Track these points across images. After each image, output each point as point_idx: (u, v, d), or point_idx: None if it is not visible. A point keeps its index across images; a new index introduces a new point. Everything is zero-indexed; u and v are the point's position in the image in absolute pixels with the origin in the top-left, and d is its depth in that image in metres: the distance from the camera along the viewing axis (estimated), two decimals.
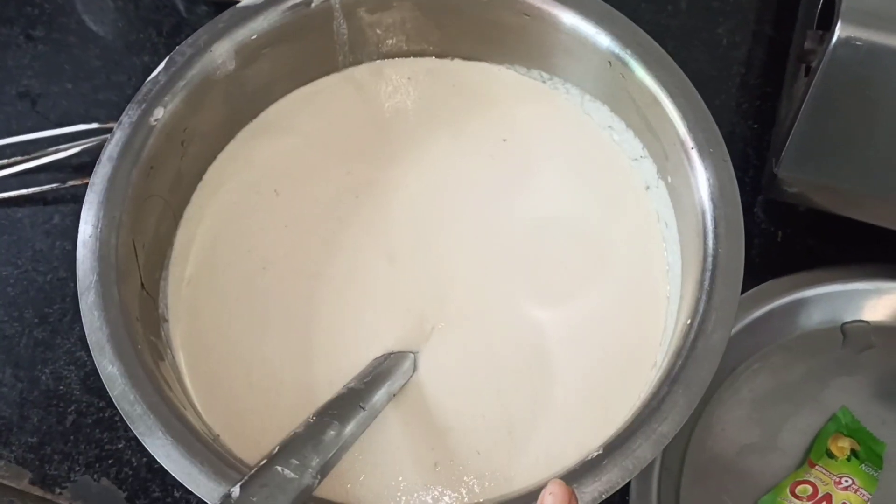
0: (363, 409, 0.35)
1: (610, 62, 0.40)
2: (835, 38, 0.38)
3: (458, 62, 0.46)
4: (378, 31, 0.44)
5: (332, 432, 0.33)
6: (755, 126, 0.53)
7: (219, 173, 0.43)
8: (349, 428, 0.34)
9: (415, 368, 0.39)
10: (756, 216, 0.51)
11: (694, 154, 0.37)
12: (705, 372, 0.33)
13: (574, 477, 0.32)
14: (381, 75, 0.45)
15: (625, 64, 0.39)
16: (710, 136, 0.37)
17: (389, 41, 0.45)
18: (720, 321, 0.34)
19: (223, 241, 0.42)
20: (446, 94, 0.45)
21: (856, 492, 0.41)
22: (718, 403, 0.45)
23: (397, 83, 0.46)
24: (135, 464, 0.45)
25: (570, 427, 0.38)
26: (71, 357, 0.47)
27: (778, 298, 0.46)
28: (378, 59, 0.45)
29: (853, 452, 0.43)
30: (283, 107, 0.44)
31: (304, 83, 0.45)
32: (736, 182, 0.37)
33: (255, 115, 0.44)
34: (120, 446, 0.45)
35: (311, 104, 0.45)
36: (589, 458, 0.33)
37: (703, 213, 0.37)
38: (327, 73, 0.45)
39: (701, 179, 0.37)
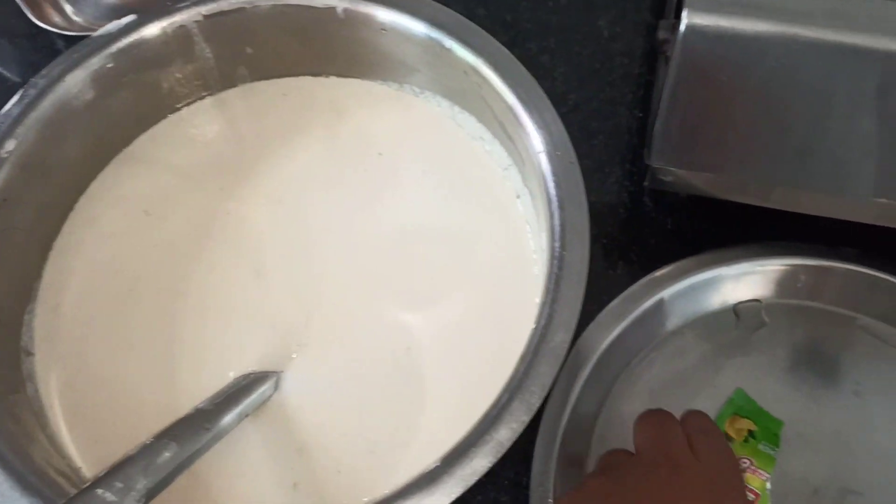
0: (208, 429, 0.35)
1: (466, 72, 0.40)
2: (682, 27, 0.38)
3: (333, 79, 0.46)
4: (246, 52, 0.44)
5: (166, 454, 0.33)
6: (640, 115, 0.53)
7: (90, 202, 0.43)
8: (188, 450, 0.33)
9: (276, 388, 0.39)
10: (645, 205, 0.51)
11: (543, 158, 0.37)
12: (546, 376, 0.33)
13: (409, 491, 0.31)
14: (253, 96, 0.46)
15: (478, 73, 0.39)
16: (557, 138, 0.37)
17: (260, 62, 0.45)
18: (562, 324, 0.34)
19: (94, 268, 0.42)
20: (322, 111, 0.45)
21: (754, 472, 0.40)
22: (617, 397, 0.45)
23: (271, 102, 0.46)
24: None
25: (439, 441, 0.37)
26: None
27: (669, 286, 0.46)
28: (251, 80, 0.45)
29: (750, 433, 0.42)
30: (154, 133, 0.45)
31: (176, 109, 0.45)
32: (582, 185, 0.37)
33: (126, 143, 0.44)
34: None
35: (184, 129, 0.45)
36: (427, 470, 0.32)
37: (552, 217, 0.36)
38: (200, 97, 0.45)
39: (550, 184, 0.37)
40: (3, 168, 0.38)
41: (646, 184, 0.49)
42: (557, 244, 0.35)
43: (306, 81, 0.46)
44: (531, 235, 0.41)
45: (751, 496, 0.39)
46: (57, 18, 0.56)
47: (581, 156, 0.54)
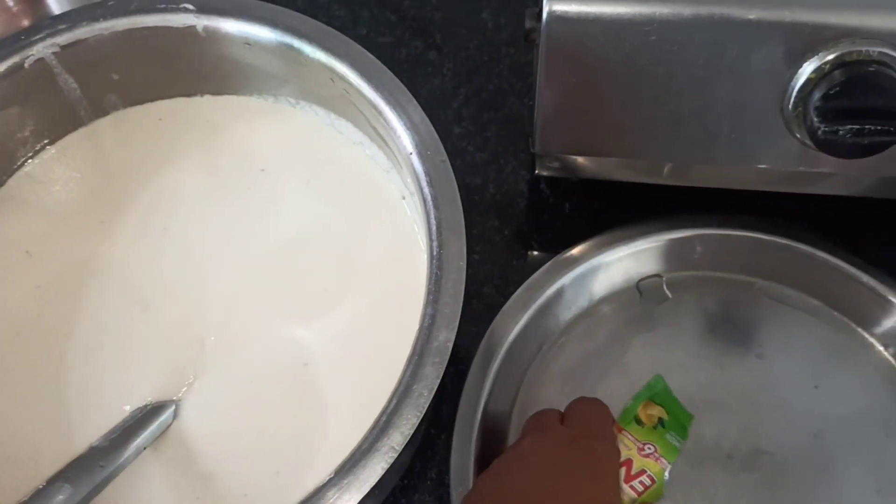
0: (103, 468, 0.34)
1: (332, 79, 0.40)
2: (545, 14, 0.38)
3: (207, 98, 0.45)
4: (112, 78, 0.43)
5: (60, 497, 0.32)
6: (530, 104, 0.53)
7: None
8: (82, 490, 0.33)
9: (175, 416, 0.38)
10: (542, 192, 0.51)
11: (415, 158, 0.37)
12: (431, 377, 0.33)
13: None
14: (126, 122, 0.45)
15: (343, 78, 0.39)
16: (426, 137, 0.37)
17: (130, 88, 0.44)
18: (445, 323, 0.34)
19: None
20: (199, 132, 0.45)
21: (657, 460, 0.40)
22: (531, 384, 0.45)
23: (147, 128, 0.45)
24: None
25: (343, 454, 0.37)
26: None
27: (570, 269, 0.47)
28: (123, 107, 0.44)
29: (660, 421, 0.42)
30: (32, 169, 0.43)
31: (48, 143, 0.44)
32: (454, 182, 0.37)
33: (1, 183, 0.43)
34: None
35: (60, 163, 0.44)
36: (321, 483, 0.32)
37: (428, 215, 0.36)
38: (73, 129, 0.44)
39: (423, 183, 0.37)
40: None
41: (536, 172, 0.49)
42: (435, 243, 0.35)
43: (180, 103, 0.45)
44: (420, 236, 0.41)
45: (647, 481, 0.39)
46: None
47: (476, 148, 0.54)
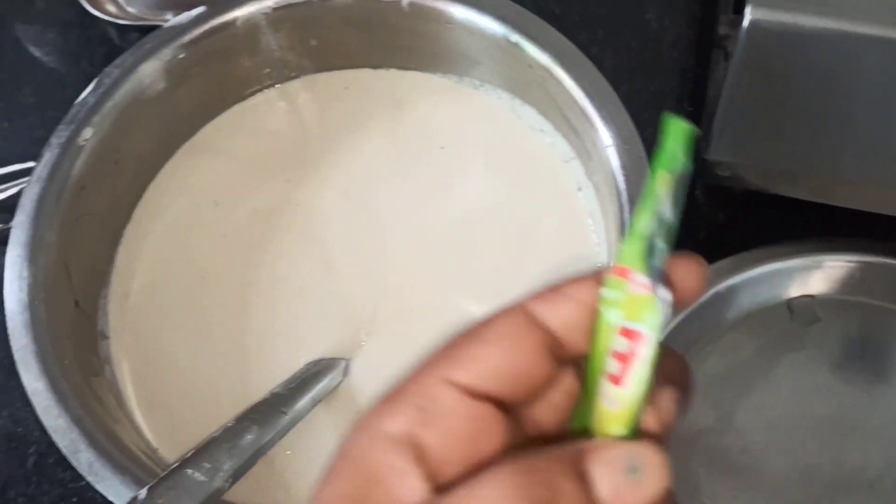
0: (284, 413, 0.36)
1: (530, 66, 0.40)
2: (746, 22, 0.38)
3: (393, 72, 0.46)
4: (309, 44, 0.44)
5: (249, 437, 0.34)
6: (690, 109, 0.53)
7: (159, 191, 0.44)
8: (268, 433, 0.34)
9: (346, 374, 0.40)
10: (697, 199, 0.51)
11: (611, 152, 0.38)
12: None
13: None
14: (316, 87, 0.46)
15: (541, 65, 0.40)
16: (625, 132, 0.37)
17: (323, 54, 0.45)
18: None
19: (164, 256, 0.43)
20: (383, 104, 0.46)
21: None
22: None
23: (333, 94, 0.46)
24: (98, 500, 0.45)
25: None
26: (27, 399, 0.47)
27: (723, 280, 0.46)
28: (312, 72, 0.46)
29: None
30: (221, 123, 0.45)
31: (240, 99, 0.46)
32: None
33: (192, 133, 0.45)
34: (82, 484, 0.45)
35: (248, 119, 0.46)
36: None
37: (623, 211, 0.37)
38: (262, 88, 0.46)
39: (619, 178, 0.37)
40: (81, 155, 0.39)
41: (700, 179, 0.49)
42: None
43: (366, 74, 0.46)
44: (593, 228, 0.42)
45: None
46: (111, 7, 0.57)
47: None
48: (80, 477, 0.45)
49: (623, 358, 0.19)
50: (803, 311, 0.48)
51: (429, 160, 0.44)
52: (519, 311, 0.21)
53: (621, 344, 0.19)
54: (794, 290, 0.48)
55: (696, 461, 0.44)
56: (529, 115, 0.44)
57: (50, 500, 0.45)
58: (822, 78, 0.40)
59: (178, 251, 0.43)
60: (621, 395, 0.19)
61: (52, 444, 0.46)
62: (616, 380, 0.19)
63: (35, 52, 0.59)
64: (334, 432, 0.39)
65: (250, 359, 0.40)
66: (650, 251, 0.19)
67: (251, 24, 0.42)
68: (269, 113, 0.46)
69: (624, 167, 0.37)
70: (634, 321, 0.19)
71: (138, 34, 0.57)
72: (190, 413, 0.40)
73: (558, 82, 0.39)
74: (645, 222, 0.20)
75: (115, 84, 0.40)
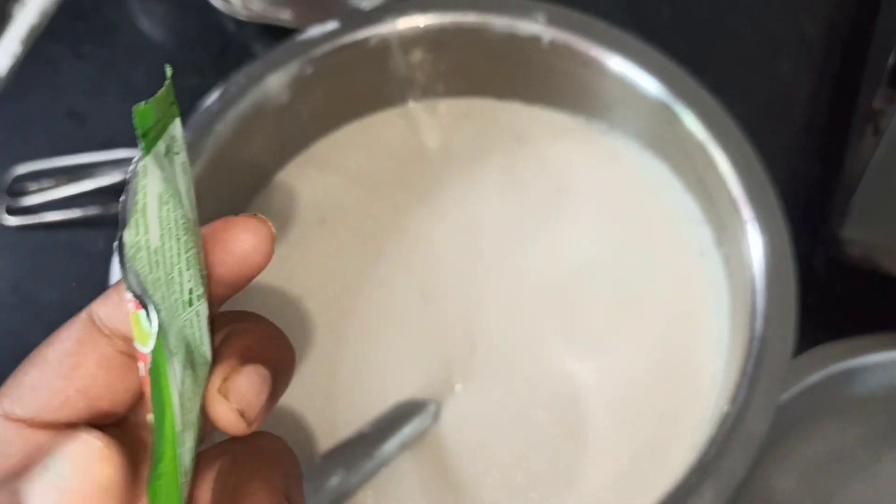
0: (371, 457, 0.35)
1: (669, 120, 0.38)
2: None
3: (517, 105, 0.45)
4: (436, 69, 0.43)
5: (335, 479, 0.33)
6: (818, 170, 0.50)
7: (265, 201, 0.43)
8: (354, 476, 0.33)
9: (435, 419, 0.38)
10: (814, 268, 0.48)
11: (750, 227, 0.35)
12: (739, 466, 0.31)
13: None
14: (436, 112, 0.45)
15: (684, 124, 0.37)
16: (769, 209, 0.35)
17: (448, 80, 0.44)
18: (760, 412, 0.32)
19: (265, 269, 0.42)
20: (503, 136, 0.44)
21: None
22: (766, 471, 0.43)
23: (453, 121, 0.45)
24: None
25: (603, 501, 0.36)
26: None
27: (835, 363, 0.44)
28: (435, 96, 0.44)
29: None
30: (335, 139, 0.44)
31: (358, 117, 0.44)
32: (794, 262, 0.34)
33: (306, 146, 0.44)
34: None
35: (363, 137, 0.44)
36: None
37: (755, 291, 0.34)
38: (382, 107, 0.44)
39: (756, 255, 0.35)
40: (198, 162, 0.38)
41: (825, 252, 0.46)
42: (760, 322, 0.33)
43: (489, 104, 0.45)
44: (713, 297, 0.39)
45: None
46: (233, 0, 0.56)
47: None
48: None
49: (145, 382, 0.18)
50: None
51: (544, 203, 0.42)
52: (84, 319, 0.19)
53: (141, 368, 0.18)
54: None
55: None
56: (658, 169, 0.42)
57: None
58: None
59: (277, 266, 0.42)
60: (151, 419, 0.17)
61: None
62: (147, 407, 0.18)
63: (152, 35, 0.59)
64: (418, 479, 0.37)
65: (340, 389, 0.39)
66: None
67: (383, 45, 0.40)
68: (386, 132, 0.44)
69: (764, 245, 0.34)
70: (139, 342, 0.18)
71: (254, 29, 0.57)
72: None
73: (701, 147, 0.37)
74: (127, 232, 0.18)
75: (241, 93, 0.39)
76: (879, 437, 0.44)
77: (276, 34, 0.56)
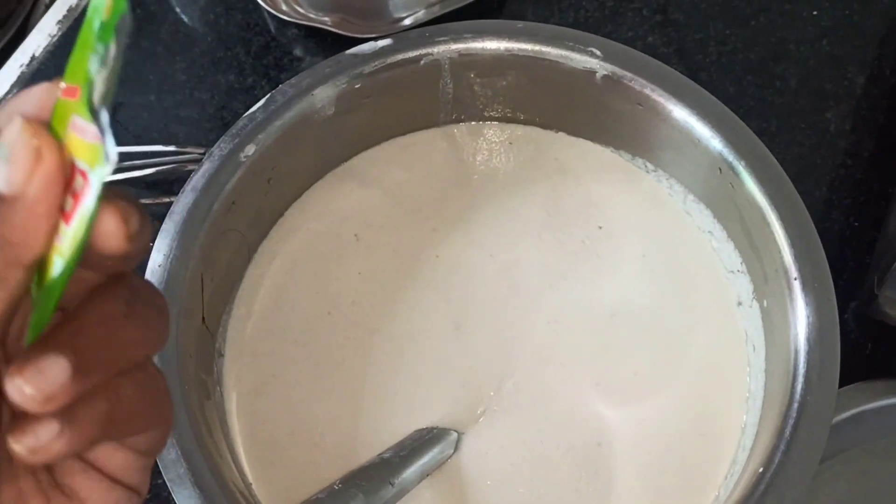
0: (392, 485, 0.34)
1: (720, 169, 0.37)
2: None
3: (562, 136, 0.44)
4: (485, 94, 0.42)
5: None
6: (856, 224, 0.50)
7: (301, 212, 0.43)
8: (373, 503, 0.32)
9: (455, 449, 0.37)
10: (847, 324, 0.47)
11: (796, 285, 0.34)
12: None
13: None
14: (480, 136, 0.44)
15: (737, 174, 0.37)
16: (817, 269, 0.34)
17: (495, 105, 0.43)
18: (796, 478, 0.31)
19: (294, 280, 0.41)
20: (546, 167, 0.44)
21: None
22: None
23: (496, 146, 0.44)
24: (171, 501, 0.44)
25: None
26: None
27: (869, 402, 0.43)
28: (480, 120, 0.44)
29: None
30: (376, 154, 0.43)
31: (401, 134, 0.44)
32: (838, 325, 0.34)
33: (345, 160, 0.43)
34: (159, 482, 0.44)
35: (405, 155, 0.44)
36: None
37: (797, 352, 0.34)
38: (426, 127, 0.44)
39: (800, 314, 0.34)
40: (239, 171, 0.37)
41: (861, 310, 0.45)
42: (801, 385, 0.32)
43: (534, 132, 0.44)
44: (748, 350, 0.39)
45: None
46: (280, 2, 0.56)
47: None
48: (157, 474, 0.44)
49: (76, 196, 0.18)
50: None
51: (584, 239, 0.42)
52: None
53: (78, 182, 0.18)
54: None
55: None
56: (701, 215, 0.41)
57: None
58: None
59: (309, 278, 0.41)
60: (67, 233, 0.18)
61: None
62: (67, 217, 0.18)
63: (193, 28, 0.58)
64: None
65: (363, 410, 0.39)
66: (91, 97, 0.17)
67: (433, 66, 0.40)
68: (428, 153, 0.44)
69: (809, 304, 0.34)
70: (88, 164, 0.17)
71: (296, 31, 0.56)
72: (291, 452, 0.38)
73: (751, 198, 0.36)
74: (89, 62, 0.18)
75: (287, 104, 0.38)
76: None
77: (317, 37, 0.56)
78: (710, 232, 0.41)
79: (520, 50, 0.40)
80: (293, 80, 0.39)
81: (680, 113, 0.38)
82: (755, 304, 0.38)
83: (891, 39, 0.58)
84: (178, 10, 0.59)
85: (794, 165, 0.53)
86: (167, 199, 0.48)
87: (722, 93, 0.55)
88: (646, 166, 0.43)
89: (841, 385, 0.44)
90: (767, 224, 0.36)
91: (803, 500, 0.31)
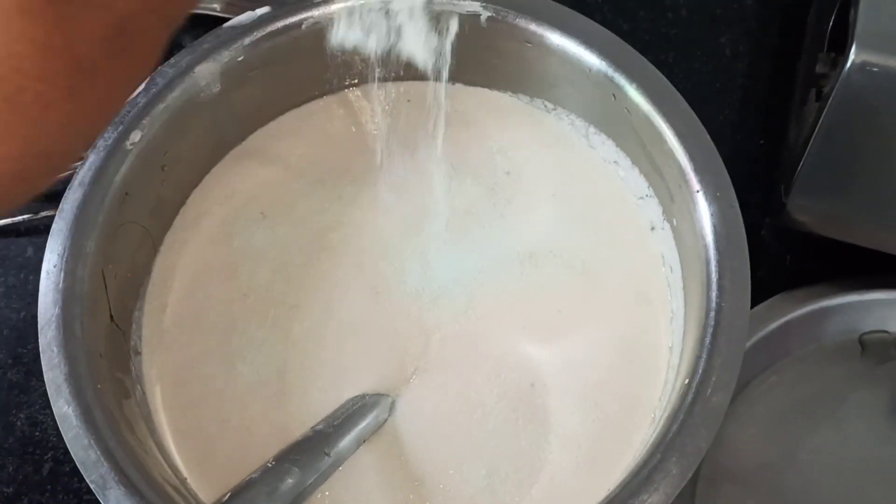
0: (328, 455, 0.33)
1: (614, 95, 0.38)
2: (849, 63, 0.36)
3: (459, 87, 0.44)
4: (372, 52, 0.42)
5: (290, 480, 0.32)
6: (762, 143, 0.51)
7: (203, 197, 0.42)
8: (310, 476, 0.32)
9: (391, 412, 0.37)
10: (763, 240, 0.48)
11: (699, 197, 0.35)
12: (702, 439, 0.31)
13: None
14: (376, 98, 0.43)
15: (629, 97, 0.37)
16: (717, 178, 0.35)
17: (386, 63, 0.42)
18: (720, 383, 0.32)
19: (205, 267, 0.40)
20: (448, 121, 0.43)
21: None
22: (732, 419, 0.42)
23: (394, 106, 0.43)
24: None
25: (560, 487, 0.36)
26: (46, 401, 0.44)
27: (794, 310, 0.44)
28: (374, 81, 0.43)
29: None
30: (273, 129, 0.43)
31: (296, 106, 0.43)
32: (744, 230, 0.34)
33: (242, 139, 0.42)
34: (83, 485, 0.43)
35: (302, 127, 0.43)
36: None
37: (708, 262, 0.34)
38: (320, 95, 0.43)
39: (706, 225, 0.35)
40: (127, 160, 0.36)
41: (772, 220, 0.46)
42: (715, 293, 0.33)
43: (430, 87, 0.43)
44: (666, 272, 0.39)
45: None
46: None
47: None
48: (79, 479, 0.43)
49: None
50: (876, 347, 0.45)
51: (493, 185, 0.42)
52: None
53: None
54: (869, 325, 0.45)
55: (753, 497, 0.41)
56: (604, 146, 0.41)
57: None
58: None
59: (221, 263, 0.40)
60: None
61: (68, 452, 0.43)
62: None
63: None
64: (376, 475, 0.36)
65: (291, 387, 0.38)
66: None
67: (316, 30, 0.39)
68: (326, 121, 0.43)
69: (713, 215, 0.34)
70: None
71: (187, 22, 0.54)
72: (223, 440, 0.37)
73: (647, 119, 0.36)
74: None
75: (169, 85, 0.37)
76: (841, 382, 0.44)
77: (207, 25, 0.54)
78: (615, 162, 0.41)
79: (397, 5, 0.39)
80: (171, 61, 0.38)
81: (567, 44, 0.38)
82: (666, 226, 0.39)
83: None
84: None
85: (695, 93, 0.53)
86: None
87: (617, 29, 0.55)
88: (545, 106, 0.42)
89: (764, 298, 0.45)
90: (665, 141, 0.36)
91: (727, 403, 0.31)
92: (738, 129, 0.53)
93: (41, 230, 0.49)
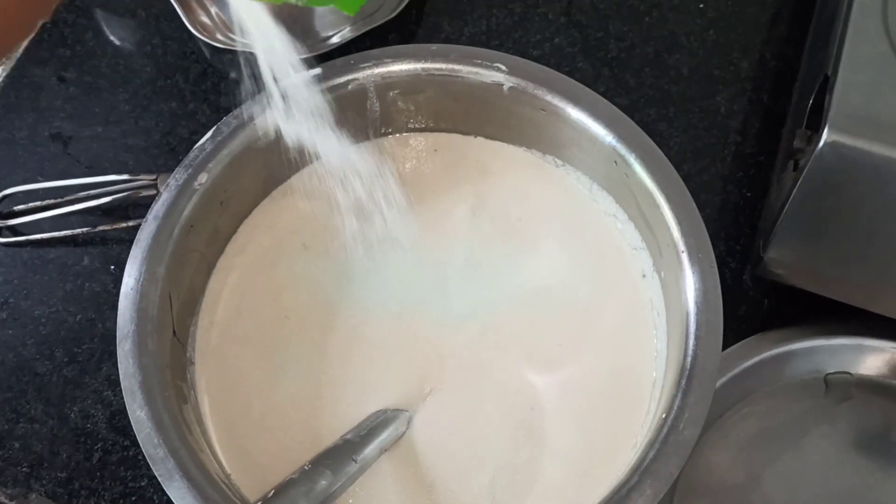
0: (355, 461, 0.39)
1: (616, 161, 0.43)
2: (822, 143, 0.41)
3: (480, 140, 0.49)
4: (408, 108, 0.47)
5: (323, 482, 0.37)
6: (748, 195, 0.56)
7: (252, 227, 0.47)
8: (340, 479, 0.37)
9: (408, 426, 0.43)
10: (745, 283, 0.54)
11: (684, 257, 0.40)
12: (674, 465, 0.36)
13: None
14: (407, 145, 0.49)
15: (629, 165, 0.43)
16: (700, 242, 0.40)
17: (418, 118, 0.48)
18: (692, 419, 0.37)
19: (252, 289, 0.46)
20: (468, 168, 0.49)
21: None
22: (708, 445, 0.48)
23: (422, 153, 0.49)
24: (156, 501, 0.48)
25: (552, 498, 0.41)
26: (98, 396, 0.50)
27: (767, 350, 0.49)
28: (406, 132, 0.49)
29: None
30: (315, 169, 0.48)
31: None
32: (720, 289, 0.40)
33: (288, 177, 0.48)
34: (143, 484, 0.48)
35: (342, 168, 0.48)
36: None
37: (688, 314, 0.40)
38: (357, 142, 0.48)
39: (688, 281, 0.40)
40: (195, 197, 0.42)
41: (755, 272, 0.52)
42: (692, 341, 0.39)
43: (455, 139, 0.49)
44: (653, 315, 0.45)
45: None
46: (206, 20, 0.60)
47: None
48: (140, 477, 0.49)
49: None
50: (839, 387, 0.50)
51: (507, 229, 0.47)
52: None
53: None
54: (833, 367, 0.50)
55: None
56: (605, 201, 0.47)
57: (111, 496, 0.49)
58: (888, 205, 0.42)
59: (265, 286, 0.46)
60: None
61: (115, 443, 0.49)
62: None
63: (133, 60, 0.62)
64: (394, 480, 0.42)
65: (322, 400, 0.44)
66: None
67: (361, 89, 0.45)
68: (360, 163, 0.48)
69: (694, 273, 0.40)
70: None
71: (230, 56, 0.60)
72: (262, 443, 0.43)
73: (642, 185, 0.42)
74: None
75: (232, 134, 0.43)
76: (805, 417, 0.49)
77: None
78: (614, 215, 0.47)
79: (435, 69, 0.45)
80: (236, 112, 0.43)
81: (577, 115, 0.43)
82: (656, 276, 0.45)
83: (773, 26, 0.64)
84: (116, 43, 0.63)
85: (691, 145, 0.60)
86: (124, 224, 0.53)
87: (624, 84, 0.62)
88: (555, 162, 0.48)
89: (744, 335, 0.51)
90: (658, 206, 0.41)
91: (697, 435, 0.37)
92: (728, 181, 0.59)
93: (97, 242, 0.55)
